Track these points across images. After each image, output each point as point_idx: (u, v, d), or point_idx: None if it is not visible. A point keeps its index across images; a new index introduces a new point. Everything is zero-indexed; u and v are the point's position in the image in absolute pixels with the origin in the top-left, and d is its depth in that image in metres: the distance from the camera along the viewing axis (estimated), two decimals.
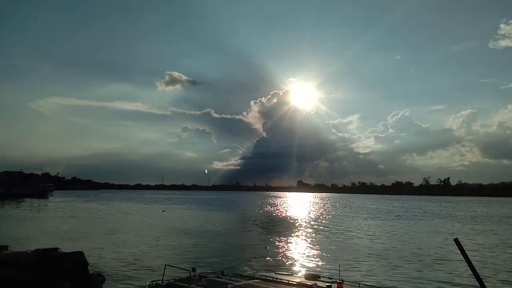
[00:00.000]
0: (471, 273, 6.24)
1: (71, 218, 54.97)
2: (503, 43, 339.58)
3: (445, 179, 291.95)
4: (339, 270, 12.54)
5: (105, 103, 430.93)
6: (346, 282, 11.12)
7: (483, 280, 6.41)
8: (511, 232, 43.77)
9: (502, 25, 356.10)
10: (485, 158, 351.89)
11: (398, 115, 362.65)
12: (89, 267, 16.60)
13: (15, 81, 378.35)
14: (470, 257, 6.23)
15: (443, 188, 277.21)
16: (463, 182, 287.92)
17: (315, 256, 25.92)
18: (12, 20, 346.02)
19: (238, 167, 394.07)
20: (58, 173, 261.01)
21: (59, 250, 16.95)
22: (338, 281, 11.15)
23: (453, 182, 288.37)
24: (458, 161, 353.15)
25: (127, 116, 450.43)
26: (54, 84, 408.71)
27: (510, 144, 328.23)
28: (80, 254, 16.81)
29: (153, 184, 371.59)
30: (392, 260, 24.34)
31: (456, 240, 6.52)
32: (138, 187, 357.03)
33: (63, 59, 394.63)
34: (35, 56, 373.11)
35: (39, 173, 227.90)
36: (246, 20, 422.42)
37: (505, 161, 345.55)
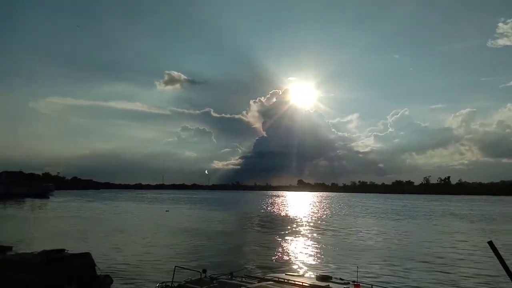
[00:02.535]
0: (507, 276, 6.03)
1: (74, 218, 54.69)
2: (501, 42, 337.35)
3: (445, 178, 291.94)
4: (357, 271, 12.24)
5: (105, 103, 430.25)
6: (363, 285, 10.85)
7: None
8: None
9: (500, 24, 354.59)
10: (485, 157, 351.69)
11: (397, 114, 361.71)
12: (97, 269, 16.35)
13: (16, 81, 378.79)
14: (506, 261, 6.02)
15: (444, 187, 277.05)
16: (463, 181, 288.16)
17: (323, 257, 25.65)
18: (14, 20, 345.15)
19: (238, 167, 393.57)
20: (58, 173, 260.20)
21: (65, 251, 16.69)
22: (354, 282, 10.90)
23: (453, 181, 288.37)
24: (458, 160, 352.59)
25: (126, 116, 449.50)
26: (55, 84, 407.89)
27: (509, 143, 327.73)
28: (87, 255, 16.57)
29: (153, 183, 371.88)
30: (405, 261, 24.02)
31: (490, 243, 6.29)
32: (139, 186, 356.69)
33: (64, 60, 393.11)
34: (36, 57, 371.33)
35: (40, 173, 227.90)
36: (246, 20, 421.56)
37: (504, 160, 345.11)
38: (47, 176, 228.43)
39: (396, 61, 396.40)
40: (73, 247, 21.43)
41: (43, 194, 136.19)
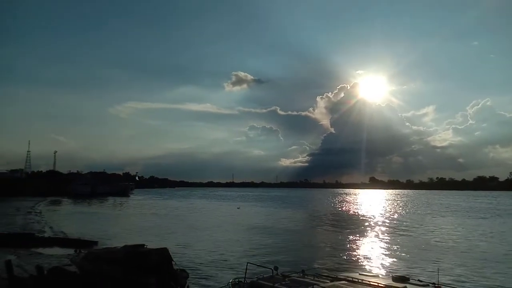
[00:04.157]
0: None
1: (153, 215, 57.83)
2: None
3: None
4: (437, 273, 11.54)
5: (177, 105, 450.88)
6: (444, 287, 10.18)
7: None
8: None
9: None
10: None
11: (478, 105, 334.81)
12: (174, 263, 17.07)
13: (97, 89, 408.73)
14: None
15: None
16: None
17: (399, 257, 24.58)
18: (93, 34, 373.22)
19: (306, 164, 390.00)
20: (137, 172, 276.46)
21: (145, 246, 17.64)
22: (434, 285, 10.27)
23: None
24: None
25: (197, 117, 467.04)
26: (131, 90, 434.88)
27: None
28: (164, 250, 17.35)
29: (224, 181, 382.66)
30: (492, 265, 22.26)
31: None
32: (210, 184, 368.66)
33: (138, 67, 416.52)
34: (113, 66, 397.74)
35: (120, 173, 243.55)
36: (311, 14, 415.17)
37: None
38: (127, 176, 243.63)
39: (475, 48, 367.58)
40: (152, 242, 22.60)
41: (123, 193, 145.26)
